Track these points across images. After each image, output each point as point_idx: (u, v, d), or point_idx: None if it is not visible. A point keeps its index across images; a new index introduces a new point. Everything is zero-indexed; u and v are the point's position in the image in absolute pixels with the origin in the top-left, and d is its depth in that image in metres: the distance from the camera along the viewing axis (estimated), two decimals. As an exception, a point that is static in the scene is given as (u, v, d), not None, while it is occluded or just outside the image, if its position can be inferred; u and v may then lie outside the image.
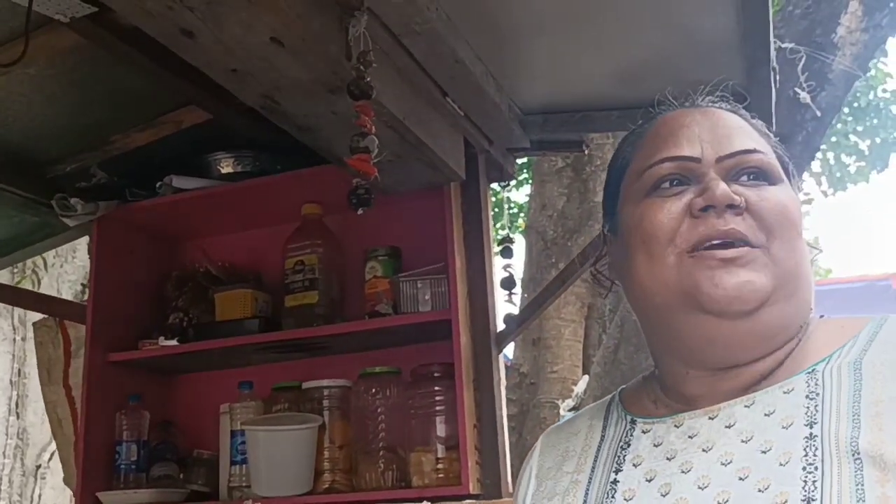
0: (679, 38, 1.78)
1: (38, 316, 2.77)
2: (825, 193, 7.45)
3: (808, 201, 8.51)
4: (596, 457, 0.86)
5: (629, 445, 0.84)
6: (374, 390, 2.11)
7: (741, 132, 0.84)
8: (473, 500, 1.96)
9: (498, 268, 2.24)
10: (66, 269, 5.85)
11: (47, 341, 2.57)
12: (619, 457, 0.83)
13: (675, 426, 0.82)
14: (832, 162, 7.28)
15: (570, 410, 4.46)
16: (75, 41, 1.83)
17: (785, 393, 0.78)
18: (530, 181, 5.63)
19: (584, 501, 0.82)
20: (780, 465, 0.72)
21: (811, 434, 0.74)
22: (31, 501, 5.51)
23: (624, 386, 0.94)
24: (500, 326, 2.17)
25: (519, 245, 5.51)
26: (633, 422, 0.86)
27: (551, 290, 2.29)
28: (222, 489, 2.26)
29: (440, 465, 2.02)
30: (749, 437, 0.76)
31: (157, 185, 2.32)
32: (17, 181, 2.31)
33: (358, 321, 2.17)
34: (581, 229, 4.79)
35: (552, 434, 0.95)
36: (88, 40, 1.81)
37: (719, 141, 0.83)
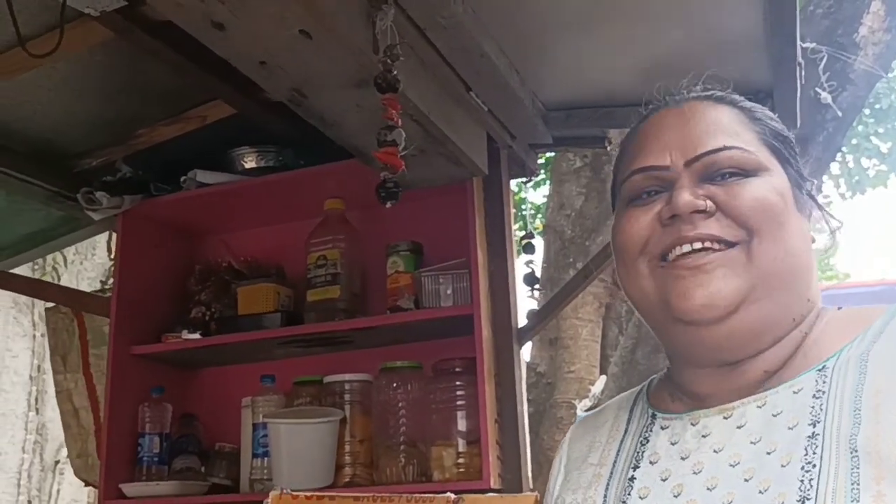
0: (703, 34, 1.78)
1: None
2: (843, 196, 7.39)
3: (827, 203, 8.45)
4: (618, 450, 0.86)
5: (648, 441, 0.84)
6: (395, 385, 2.12)
7: (714, 129, 0.83)
8: (495, 494, 1.96)
9: (520, 264, 2.24)
10: (85, 266, 5.90)
11: (61, 328, 2.59)
12: (638, 452, 0.84)
13: (692, 424, 0.82)
14: (851, 165, 7.22)
15: (586, 411, 4.45)
16: (103, 35, 1.85)
17: (794, 393, 0.78)
18: (548, 181, 5.62)
19: (605, 496, 0.83)
20: (782, 466, 0.73)
21: (813, 433, 0.74)
22: (50, 497, 5.55)
23: (654, 376, 0.94)
24: (522, 322, 2.18)
25: (537, 245, 5.51)
26: (653, 416, 0.87)
27: (572, 287, 2.29)
28: (244, 482, 2.27)
29: (461, 460, 2.02)
30: (758, 439, 0.76)
31: (182, 179, 2.34)
32: (44, 175, 2.34)
33: (379, 316, 2.18)
34: (599, 229, 4.78)
35: (581, 424, 0.95)
36: (117, 34, 1.83)
37: (688, 144, 0.82)
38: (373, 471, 2.12)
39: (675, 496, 0.77)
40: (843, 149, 6.26)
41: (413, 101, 1.69)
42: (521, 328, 2.16)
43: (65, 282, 5.59)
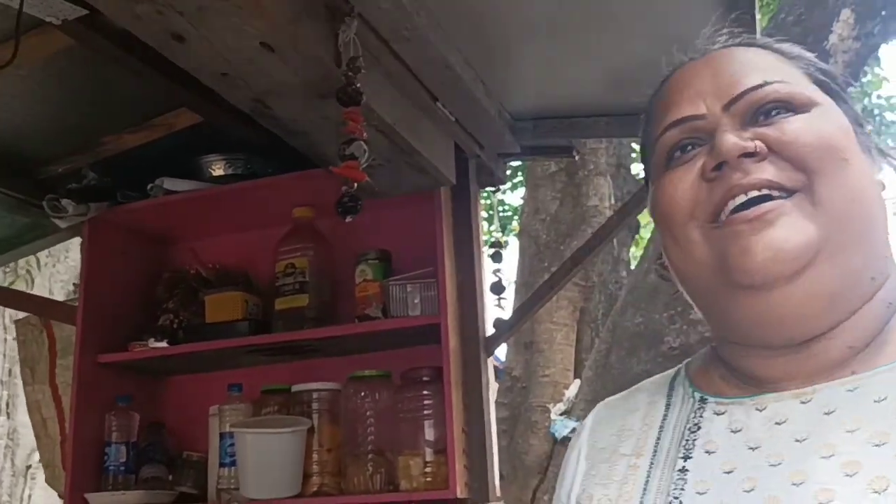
0: (666, 45, 1.79)
1: (22, 316, 2.77)
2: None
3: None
4: (659, 438, 0.75)
5: (699, 428, 0.72)
6: (363, 394, 2.11)
7: (749, 67, 0.72)
8: (460, 504, 1.97)
9: (488, 272, 2.25)
10: (58, 269, 5.85)
11: (31, 339, 2.57)
12: (687, 441, 0.72)
13: (757, 409, 0.70)
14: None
15: (560, 415, 4.47)
16: (67, 43, 1.84)
17: None
18: (524, 184, 5.64)
19: (645, 490, 0.71)
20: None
21: None
22: (21, 502, 5.49)
23: (689, 359, 0.82)
24: (490, 331, 2.18)
25: (512, 249, 5.53)
26: (703, 400, 0.74)
27: (540, 294, 2.30)
28: (211, 491, 2.26)
29: (428, 469, 2.02)
30: (855, 428, 0.64)
31: (149, 186, 2.32)
32: (8, 182, 2.32)
33: (348, 324, 2.18)
34: (574, 233, 4.80)
35: (605, 409, 0.83)
36: (80, 43, 1.81)
37: (724, 87, 0.71)
38: (340, 480, 2.12)
39: (746, 491, 0.65)
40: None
41: (378, 112, 1.69)
42: (488, 337, 2.17)
43: (38, 284, 5.54)
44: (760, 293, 0.66)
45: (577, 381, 4.55)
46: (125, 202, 2.36)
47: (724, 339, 0.74)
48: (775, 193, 0.66)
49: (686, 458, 0.71)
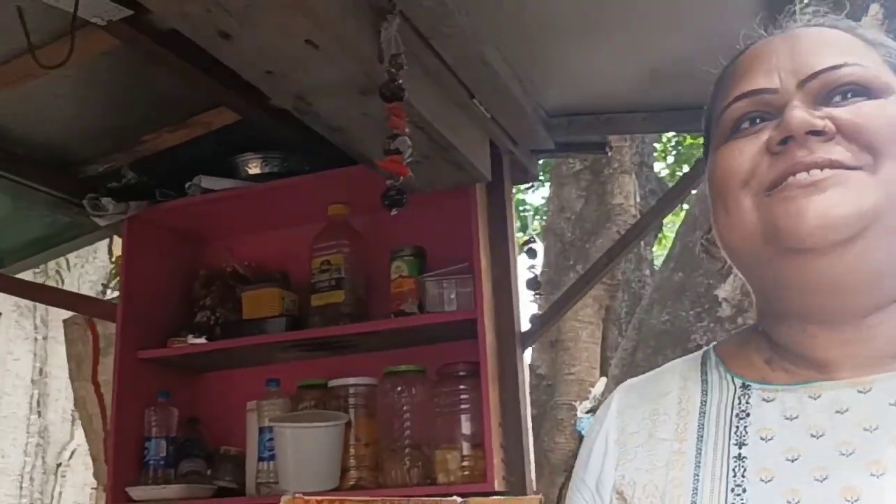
0: (704, 41, 1.79)
1: (63, 315, 2.82)
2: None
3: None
4: (701, 424, 0.73)
5: (748, 415, 0.71)
6: (399, 388, 2.13)
7: (830, 48, 0.71)
8: (499, 497, 1.98)
9: (522, 268, 2.26)
10: (87, 270, 5.92)
11: (77, 338, 2.62)
12: (737, 427, 0.70)
13: (811, 397, 0.69)
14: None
15: (587, 413, 4.48)
16: (110, 44, 1.87)
17: None
18: (548, 183, 5.65)
19: (696, 477, 0.70)
20: None
21: None
22: (52, 499, 5.57)
23: (717, 342, 0.81)
24: (525, 326, 2.20)
25: (537, 248, 5.53)
26: (745, 386, 0.73)
27: (575, 290, 2.31)
28: (249, 485, 2.29)
29: (465, 463, 2.04)
30: None
31: (187, 185, 2.36)
32: (50, 181, 2.36)
33: (383, 320, 2.20)
34: (599, 231, 4.81)
35: (631, 392, 0.80)
36: (123, 43, 1.85)
37: (801, 64, 0.70)
38: (378, 474, 2.14)
39: (818, 480, 0.64)
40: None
41: (417, 108, 1.71)
42: (524, 332, 2.18)
43: (67, 284, 5.61)
44: (811, 257, 0.65)
45: (603, 379, 4.56)
46: (163, 201, 2.39)
47: (777, 314, 0.72)
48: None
49: (741, 444, 0.69)
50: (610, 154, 2.34)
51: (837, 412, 0.67)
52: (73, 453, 5.61)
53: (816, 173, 0.65)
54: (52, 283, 5.43)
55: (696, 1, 1.67)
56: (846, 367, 0.68)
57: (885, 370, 0.67)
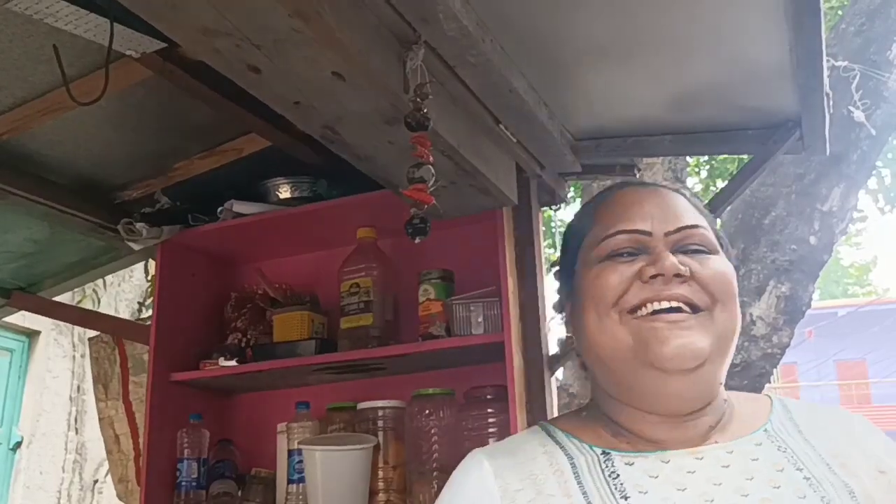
0: (732, 66, 1.80)
1: (92, 333, 2.86)
2: (882, 211, 7.30)
3: (863, 219, 8.35)
4: (580, 482, 0.88)
5: (619, 475, 0.88)
6: (427, 411, 2.14)
7: (685, 210, 0.97)
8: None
9: (550, 291, 2.26)
10: (123, 289, 6.02)
11: (103, 357, 2.66)
12: (613, 485, 0.87)
13: (662, 462, 0.89)
14: (888, 179, 7.13)
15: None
16: (143, 74, 1.92)
17: (757, 445, 0.90)
18: (578, 199, 5.62)
19: None
20: (800, 498, 0.84)
21: (805, 476, 0.86)
22: (89, 515, 5.65)
23: (550, 419, 1.02)
24: (553, 349, 2.19)
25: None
26: (605, 453, 0.91)
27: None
28: (279, 507, 2.31)
29: (493, 487, 2.03)
30: (751, 477, 0.86)
31: (219, 210, 2.40)
32: (85, 207, 2.41)
33: (412, 343, 2.21)
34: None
35: (498, 457, 0.95)
36: (157, 74, 1.89)
37: (667, 217, 0.94)
38: (406, 497, 2.15)
39: None
40: (879, 163, 6.19)
41: (443, 135, 1.72)
42: (551, 355, 2.18)
43: (104, 303, 5.71)
44: (667, 376, 0.88)
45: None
46: (196, 225, 2.43)
47: (624, 403, 0.93)
48: (686, 308, 0.89)
49: (625, 497, 0.86)
50: (639, 175, 2.33)
51: (688, 472, 0.87)
52: (109, 470, 5.69)
53: (674, 303, 0.89)
54: (88, 301, 5.53)
55: (723, 29, 1.67)
56: (675, 444, 0.90)
57: (706, 444, 0.90)
